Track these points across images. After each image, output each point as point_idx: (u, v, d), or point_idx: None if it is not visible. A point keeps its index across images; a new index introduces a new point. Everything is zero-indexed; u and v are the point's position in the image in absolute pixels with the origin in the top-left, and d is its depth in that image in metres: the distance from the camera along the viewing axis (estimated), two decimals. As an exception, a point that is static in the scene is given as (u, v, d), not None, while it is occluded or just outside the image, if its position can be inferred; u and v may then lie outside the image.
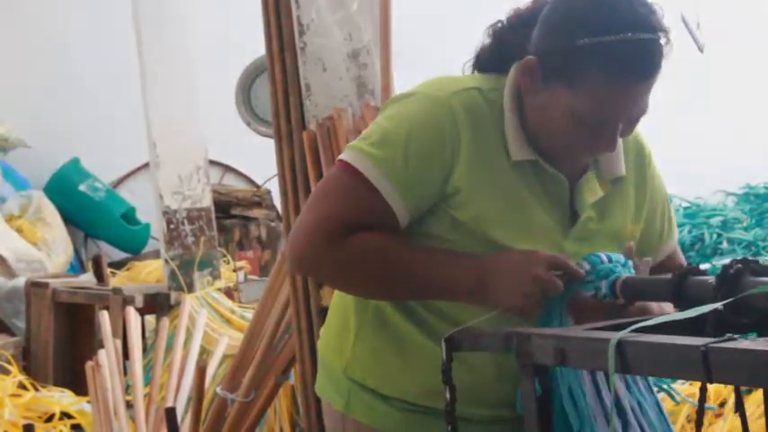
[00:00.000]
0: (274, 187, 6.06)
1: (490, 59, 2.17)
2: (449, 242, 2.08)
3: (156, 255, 7.37)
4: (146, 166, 7.56)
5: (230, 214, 7.98)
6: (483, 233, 2.06)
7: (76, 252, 8.16)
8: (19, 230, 7.38)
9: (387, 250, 2.07)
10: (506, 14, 2.18)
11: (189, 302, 5.31)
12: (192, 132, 6.12)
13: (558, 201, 2.12)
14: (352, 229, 2.05)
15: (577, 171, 2.14)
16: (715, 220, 6.20)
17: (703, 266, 4.89)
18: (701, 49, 7.70)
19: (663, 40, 2.01)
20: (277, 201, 6.72)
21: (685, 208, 6.42)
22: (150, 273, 7.03)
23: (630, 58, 1.97)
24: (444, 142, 2.06)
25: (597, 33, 1.97)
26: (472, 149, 2.06)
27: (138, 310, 5.21)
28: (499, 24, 2.18)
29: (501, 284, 1.99)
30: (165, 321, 4.92)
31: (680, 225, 6.09)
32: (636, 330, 1.64)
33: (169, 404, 4.13)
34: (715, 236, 6.07)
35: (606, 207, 2.16)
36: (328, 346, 2.28)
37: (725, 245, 6.01)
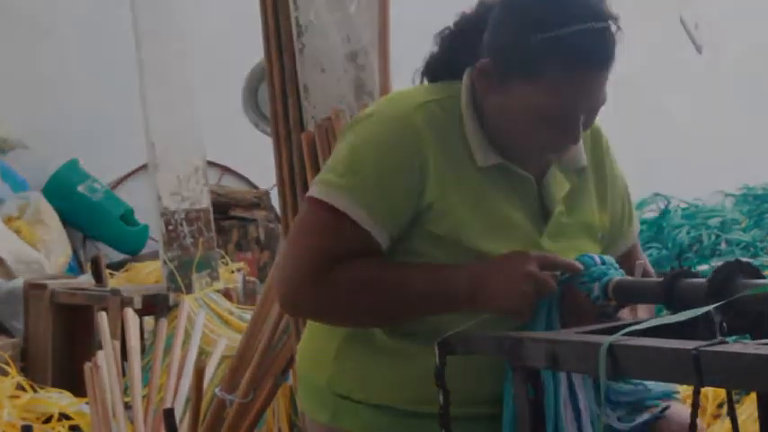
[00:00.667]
0: (273, 188, 6.07)
1: (441, 67, 2.17)
2: (432, 257, 2.07)
3: (154, 256, 7.37)
4: (144, 167, 7.56)
5: (229, 215, 7.98)
6: (463, 243, 2.06)
7: (75, 253, 8.16)
8: (17, 231, 7.38)
9: (376, 277, 2.06)
10: (453, 20, 2.17)
11: (187, 303, 5.31)
12: (190, 133, 6.13)
13: (529, 200, 2.13)
14: (337, 262, 2.04)
15: (542, 168, 2.14)
16: (713, 221, 6.19)
17: (701, 267, 4.88)
18: (699, 50, 7.71)
19: (614, 28, 2.01)
20: (275, 202, 6.72)
21: (683, 209, 6.40)
22: (149, 274, 7.03)
23: (586, 48, 1.98)
24: (411, 160, 2.05)
25: (551, 28, 1.98)
26: (439, 162, 2.06)
27: (137, 311, 5.22)
28: (447, 31, 2.18)
29: (496, 286, 1.99)
30: (164, 322, 4.92)
31: (678, 226, 6.08)
32: (628, 334, 1.64)
33: (167, 405, 4.14)
34: (713, 237, 6.06)
35: (574, 200, 2.17)
36: (308, 362, 2.27)
37: (723, 246, 6.00)
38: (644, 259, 2.30)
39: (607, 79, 2.02)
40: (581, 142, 2.14)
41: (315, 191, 2.09)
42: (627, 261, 2.14)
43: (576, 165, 2.18)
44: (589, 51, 1.98)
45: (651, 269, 2.29)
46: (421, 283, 2.04)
